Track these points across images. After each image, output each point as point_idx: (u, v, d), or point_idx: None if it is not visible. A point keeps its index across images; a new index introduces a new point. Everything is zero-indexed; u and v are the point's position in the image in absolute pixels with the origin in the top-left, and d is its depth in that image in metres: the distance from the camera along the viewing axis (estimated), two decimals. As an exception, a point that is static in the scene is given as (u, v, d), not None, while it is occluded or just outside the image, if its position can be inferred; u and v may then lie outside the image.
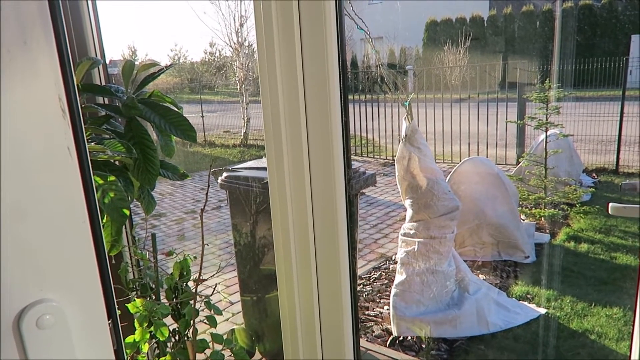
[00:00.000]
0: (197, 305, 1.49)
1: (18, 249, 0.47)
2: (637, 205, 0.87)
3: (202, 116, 10.20)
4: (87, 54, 1.99)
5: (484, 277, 3.43)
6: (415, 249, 2.83)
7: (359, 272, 3.82)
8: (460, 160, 6.18)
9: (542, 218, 4.15)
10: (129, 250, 1.70)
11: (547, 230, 4.08)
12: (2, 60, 0.43)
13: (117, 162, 1.45)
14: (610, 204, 0.97)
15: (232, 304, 3.13)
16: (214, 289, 1.51)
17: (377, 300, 3.32)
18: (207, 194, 1.31)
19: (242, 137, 9.53)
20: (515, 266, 3.59)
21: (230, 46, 9.20)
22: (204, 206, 1.38)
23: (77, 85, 1.51)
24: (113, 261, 1.79)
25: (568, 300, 3.05)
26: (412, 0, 10.23)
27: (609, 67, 5.93)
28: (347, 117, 1.45)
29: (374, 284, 3.59)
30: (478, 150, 6.18)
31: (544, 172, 4.25)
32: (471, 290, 2.98)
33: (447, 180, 3.33)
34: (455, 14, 9.07)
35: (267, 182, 1.52)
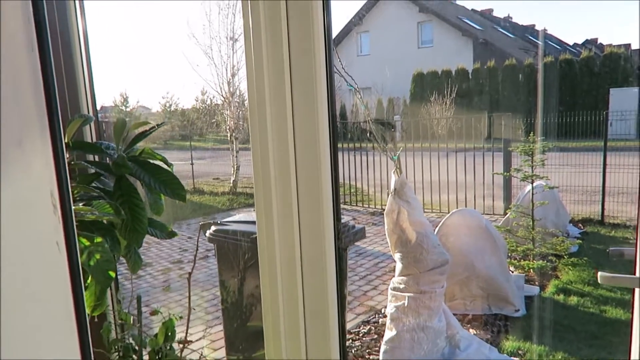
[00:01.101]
0: (182, 370, 1.45)
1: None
2: (626, 275, 0.87)
3: (192, 163, 10.21)
4: (79, 103, 2.01)
5: (475, 332, 3.37)
6: (405, 304, 2.80)
7: (348, 326, 3.74)
8: (449, 210, 6.22)
9: (531, 270, 4.14)
10: (113, 310, 1.66)
11: (537, 282, 4.06)
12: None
13: (104, 220, 1.44)
14: (599, 274, 0.97)
15: (217, 360, 3.04)
16: (201, 355, 1.47)
17: (366, 357, 3.24)
18: (195, 258, 1.29)
19: (231, 184, 9.53)
20: (505, 320, 3.55)
21: (222, 95, 9.35)
22: (192, 269, 1.35)
23: (68, 142, 1.51)
24: (95, 319, 1.74)
25: (560, 357, 3.00)
26: (399, 52, 10.58)
27: (591, 119, 6.12)
28: (337, 170, 1.47)
29: (363, 339, 3.51)
30: (466, 199, 6.23)
31: (531, 223, 4.28)
32: (462, 346, 2.93)
33: (435, 232, 3.34)
34: (440, 66, 9.39)
35: (256, 237, 1.51)
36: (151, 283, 5.16)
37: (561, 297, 3.77)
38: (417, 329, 2.79)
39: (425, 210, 6.45)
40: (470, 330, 3.39)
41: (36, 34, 0.45)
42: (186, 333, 1.38)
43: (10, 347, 0.47)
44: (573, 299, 3.71)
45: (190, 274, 1.38)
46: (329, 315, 1.47)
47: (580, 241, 4.68)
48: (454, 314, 3.29)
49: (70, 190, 0.51)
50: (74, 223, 0.51)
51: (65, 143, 1.52)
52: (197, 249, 1.34)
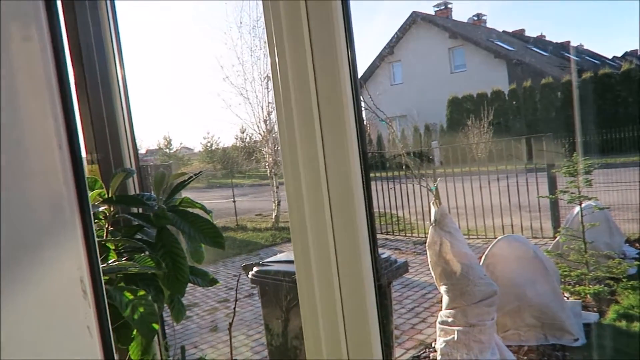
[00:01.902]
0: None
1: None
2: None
3: (234, 201, 10.40)
4: (121, 155, 2.10)
5: (532, 365, 3.21)
6: (455, 338, 2.70)
7: (397, 361, 3.63)
8: (494, 234, 6.03)
9: (588, 295, 3.93)
10: (161, 358, 1.68)
11: (595, 309, 3.85)
12: (26, 248, 0.46)
13: (148, 272, 1.48)
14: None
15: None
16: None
17: (419, 394, 3.12)
18: (234, 308, 1.31)
19: (273, 220, 9.62)
20: (564, 350, 3.36)
21: (259, 133, 9.57)
22: (232, 319, 1.36)
23: (112, 196, 1.58)
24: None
25: (628, 389, 2.80)
26: (433, 79, 10.57)
27: (636, 134, 5.87)
28: (371, 204, 1.46)
29: (415, 375, 3.40)
30: (512, 224, 6.04)
31: (583, 246, 4.09)
32: (519, 381, 2.79)
33: (481, 262, 3.24)
34: (475, 89, 9.29)
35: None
36: (199, 323, 5.21)
37: (623, 323, 3.54)
38: (469, 364, 2.69)
39: (470, 237, 6.28)
40: (527, 363, 3.23)
41: (66, 131, 0.48)
42: (229, 383, 1.37)
43: None
44: (636, 325, 3.48)
45: (230, 324, 1.39)
46: (373, 353, 1.44)
47: (639, 262, 4.42)
48: (508, 346, 3.15)
49: (101, 273, 0.53)
50: (106, 305, 0.53)
51: (109, 197, 1.59)
52: (236, 299, 1.35)
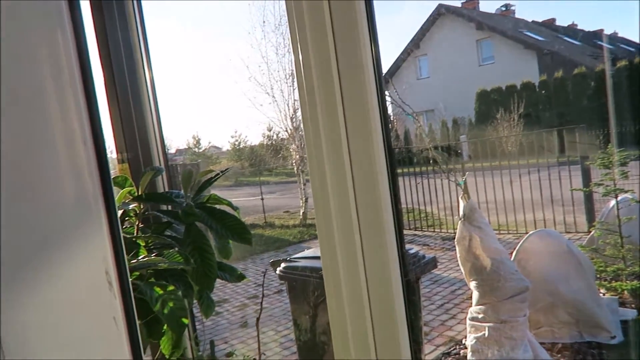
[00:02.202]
0: (257, 413, 1.45)
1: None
2: None
3: (262, 198, 10.48)
4: (150, 154, 2.14)
5: (567, 362, 3.13)
6: (486, 335, 2.66)
7: (429, 358, 3.60)
8: (526, 229, 5.90)
9: (625, 291, 3.80)
10: (192, 352, 1.71)
11: (633, 305, 3.72)
12: (52, 246, 0.47)
13: (177, 267, 1.50)
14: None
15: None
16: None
17: (450, 391, 3.09)
18: (261, 304, 1.32)
19: (301, 216, 9.66)
20: (600, 348, 3.26)
21: (286, 131, 9.61)
22: (259, 315, 1.38)
23: (141, 194, 1.61)
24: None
25: (669, 388, 2.70)
26: (460, 72, 10.39)
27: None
28: (398, 199, 1.45)
29: (445, 372, 3.36)
30: (544, 218, 5.89)
31: (619, 240, 3.96)
32: (553, 378, 2.72)
33: (512, 258, 3.17)
34: (504, 82, 9.09)
35: (324, 273, 1.51)
36: (229, 319, 5.28)
37: (663, 320, 3.42)
38: (501, 361, 2.64)
39: (501, 232, 6.16)
40: (561, 360, 3.15)
41: (90, 128, 0.49)
42: (258, 377, 1.39)
43: None
44: (677, 322, 3.35)
45: (258, 319, 1.41)
46: (401, 350, 1.44)
47: (680, 257, 4.25)
48: (541, 343, 3.08)
49: (127, 265, 0.54)
50: (132, 297, 0.54)
51: (139, 195, 1.62)
52: (262, 296, 1.36)
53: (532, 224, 5.90)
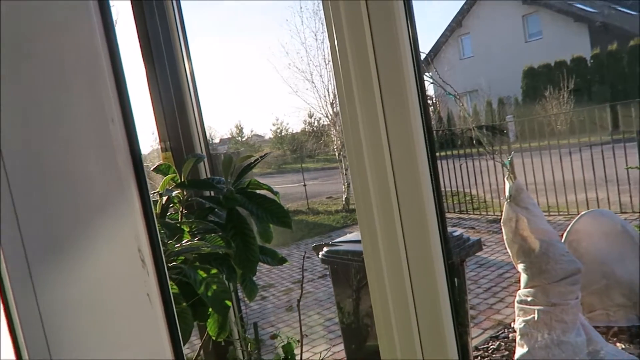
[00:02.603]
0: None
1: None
2: None
3: (305, 184, 10.55)
4: (192, 142, 2.19)
5: (622, 347, 3.00)
6: (536, 318, 2.58)
7: (475, 342, 3.54)
8: (578, 211, 5.66)
9: (688, 273, 3.60)
10: (239, 334, 1.75)
11: (696, 288, 3.52)
12: (85, 225, 0.49)
13: (220, 251, 1.53)
14: None
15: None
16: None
17: (498, 375, 3.04)
18: (302, 285, 1.33)
19: (343, 202, 9.67)
20: (660, 332, 3.11)
21: (326, 116, 9.60)
22: (300, 297, 1.39)
23: (184, 181, 1.65)
24: (222, 343, 1.85)
25: None
26: (505, 49, 10.02)
27: None
28: (438, 182, 1.42)
29: (493, 356, 3.30)
30: (597, 197, 5.63)
31: (681, 220, 3.74)
32: (608, 363, 2.62)
33: (563, 240, 3.06)
34: (553, 58, 8.69)
35: (365, 256, 1.51)
36: (275, 304, 5.38)
37: None
38: (552, 345, 2.56)
39: (550, 214, 5.94)
40: (617, 344, 3.03)
41: (120, 106, 0.50)
42: (301, 358, 1.41)
43: None
44: None
45: (299, 301, 1.42)
46: (445, 332, 1.42)
47: None
48: (596, 327, 2.96)
49: (160, 242, 0.55)
50: (167, 273, 0.55)
51: (181, 182, 1.66)
52: (302, 278, 1.37)
53: (584, 205, 5.66)
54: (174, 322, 0.54)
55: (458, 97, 2.22)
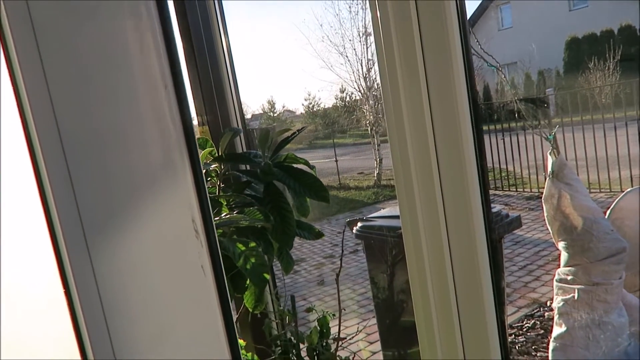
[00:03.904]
0: (339, 366, 1.49)
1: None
2: None
3: (336, 160, 10.53)
4: (229, 116, 2.19)
5: (667, 329, 2.91)
6: (576, 297, 2.51)
7: (510, 319, 3.50)
8: (621, 188, 5.45)
9: None
10: (273, 307, 1.77)
11: None
12: (140, 193, 0.48)
13: (257, 225, 1.54)
14: None
15: (373, 353, 3.07)
16: (354, 354, 1.49)
17: (533, 354, 3.00)
18: (341, 259, 1.32)
19: (375, 178, 9.61)
20: None
21: (359, 91, 9.48)
22: (339, 271, 1.38)
23: (221, 155, 1.65)
24: (258, 315, 1.88)
25: None
26: (547, 19, 9.59)
27: None
28: (484, 156, 1.37)
29: (528, 334, 3.26)
30: (643, 175, 5.41)
31: None
32: (651, 345, 2.54)
33: (606, 217, 2.95)
34: (599, 27, 8.26)
35: (402, 232, 1.49)
36: (307, 277, 5.45)
37: None
38: (592, 325, 2.50)
39: (592, 191, 5.75)
40: (660, 326, 2.93)
41: (170, 71, 0.49)
42: (338, 333, 1.41)
43: (168, 353, 0.53)
44: None
45: (337, 275, 1.41)
46: (485, 311, 1.39)
47: None
48: None
49: (212, 215, 0.55)
50: (218, 247, 0.54)
51: (219, 155, 1.66)
52: (342, 252, 1.36)
53: (628, 182, 5.45)
54: (225, 294, 0.53)
55: (500, 68, 2.13)
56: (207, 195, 0.54)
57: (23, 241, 0.54)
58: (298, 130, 1.65)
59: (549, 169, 2.50)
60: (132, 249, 0.49)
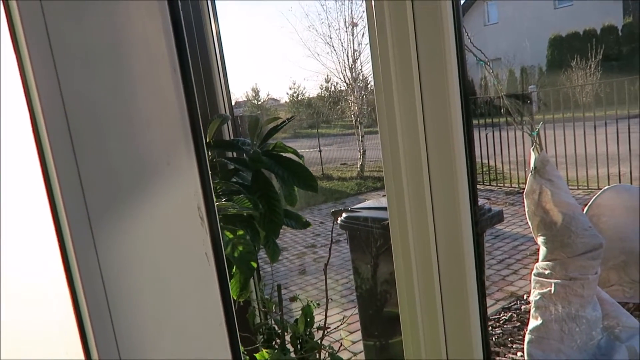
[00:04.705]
0: (323, 355, 1.50)
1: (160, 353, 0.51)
2: None
3: (320, 150, 10.52)
4: (217, 103, 2.17)
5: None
6: (552, 291, 2.57)
7: (487, 312, 3.57)
8: (599, 186, 5.57)
9: None
10: (257, 296, 1.77)
11: None
12: (147, 179, 0.47)
13: (244, 213, 1.53)
14: None
15: (353, 342, 3.10)
16: (340, 345, 1.50)
17: (509, 345, 3.06)
18: (330, 249, 1.32)
19: (358, 169, 9.64)
20: (676, 310, 3.09)
21: (345, 82, 9.46)
22: (328, 260, 1.39)
23: (209, 141, 1.64)
24: (241, 303, 1.88)
25: None
26: (532, 16, 9.68)
27: None
28: (472, 151, 1.38)
29: (505, 326, 3.32)
30: (619, 173, 5.53)
31: None
32: (624, 337, 2.62)
33: (585, 213, 3.01)
34: (583, 26, 8.37)
35: (387, 223, 1.50)
36: (288, 267, 5.46)
37: None
38: (567, 318, 2.56)
39: (571, 188, 5.86)
40: (632, 320, 3.02)
41: (177, 56, 0.48)
42: (325, 322, 1.42)
43: (172, 339, 0.53)
44: None
45: (326, 265, 1.42)
46: (469, 304, 1.41)
47: None
48: (611, 303, 2.95)
49: (215, 204, 0.54)
50: (220, 235, 0.54)
51: (207, 142, 1.65)
52: (331, 241, 1.36)
53: (606, 180, 5.57)
54: (225, 281, 0.53)
55: (488, 63, 2.15)
56: (211, 182, 0.53)
57: (26, 230, 0.53)
58: (288, 120, 1.64)
59: (532, 164, 2.54)
60: (139, 237, 0.48)
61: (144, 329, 0.48)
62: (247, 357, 1.52)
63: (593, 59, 6.88)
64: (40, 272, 0.51)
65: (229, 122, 2.21)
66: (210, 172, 1.62)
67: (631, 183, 5.34)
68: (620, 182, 5.36)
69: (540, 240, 2.65)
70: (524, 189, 2.67)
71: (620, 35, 7.73)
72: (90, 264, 0.45)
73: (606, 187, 3.59)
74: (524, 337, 2.78)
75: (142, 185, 0.48)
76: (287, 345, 1.70)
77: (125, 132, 0.47)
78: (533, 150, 2.53)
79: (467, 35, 2.11)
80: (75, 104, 0.44)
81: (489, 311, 3.58)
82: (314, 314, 1.68)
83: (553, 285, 2.59)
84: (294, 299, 1.73)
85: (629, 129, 5.37)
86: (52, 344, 0.52)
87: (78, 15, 0.44)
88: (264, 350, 1.46)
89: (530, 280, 2.85)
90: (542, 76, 8.95)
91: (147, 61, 0.47)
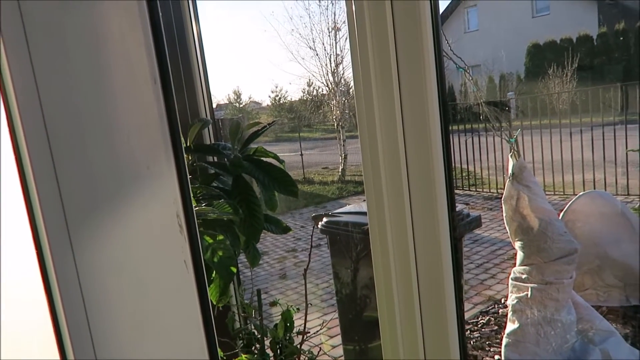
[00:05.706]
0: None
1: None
2: None
3: (302, 154, 10.52)
4: (197, 106, 2.15)
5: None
6: (529, 295, 2.62)
7: (465, 316, 3.61)
8: (574, 192, 5.68)
9: (679, 257, 3.65)
10: (237, 301, 1.76)
11: (686, 272, 3.57)
12: (126, 186, 0.47)
13: (225, 218, 1.52)
14: None
15: (333, 347, 3.10)
16: (320, 350, 1.50)
17: (487, 349, 3.10)
18: (309, 255, 1.32)
19: (339, 173, 9.66)
20: (648, 313, 3.17)
21: (327, 86, 9.49)
22: (308, 265, 1.39)
23: (190, 146, 1.63)
24: (220, 308, 1.87)
25: None
26: (511, 24, 9.85)
27: None
28: (450, 157, 1.40)
29: (482, 330, 3.36)
30: (594, 180, 5.66)
31: (677, 204, 3.76)
32: (597, 341, 2.68)
33: (560, 219, 3.07)
34: (559, 35, 8.54)
35: (367, 228, 1.51)
36: (269, 271, 5.44)
37: None
38: (543, 322, 2.61)
39: (547, 193, 5.97)
40: (606, 324, 3.09)
41: (157, 63, 0.48)
42: (304, 327, 1.42)
43: (149, 346, 0.52)
44: None
45: (306, 269, 1.42)
46: (447, 308, 1.43)
47: None
48: (585, 306, 3.01)
49: (194, 211, 0.54)
50: (200, 242, 0.54)
51: (187, 146, 1.64)
52: (311, 247, 1.37)
53: (581, 186, 5.69)
54: (204, 288, 0.53)
55: (467, 70, 2.19)
56: (190, 190, 0.53)
57: (3, 234, 0.52)
58: (269, 124, 1.64)
59: (510, 171, 2.59)
60: (117, 244, 0.48)
61: (122, 332, 0.48)
62: (226, 363, 1.51)
63: (569, 67, 7.02)
64: (17, 275, 0.51)
65: (210, 126, 2.20)
66: (190, 177, 1.62)
67: (605, 189, 5.46)
68: (594, 188, 5.48)
69: (517, 245, 2.69)
70: (502, 194, 2.71)
71: (595, 44, 7.91)
72: (68, 268, 0.44)
73: (581, 193, 3.66)
74: (501, 340, 2.82)
75: (122, 192, 0.48)
76: (266, 350, 1.69)
77: (104, 139, 0.47)
78: (511, 156, 2.58)
79: (447, 42, 2.15)
80: (53, 110, 0.44)
81: (468, 315, 3.61)
82: (293, 319, 1.68)
83: (530, 289, 2.63)
84: (273, 303, 1.73)
85: (603, 136, 5.50)
86: (27, 343, 0.52)
87: (58, 25, 0.43)
88: (244, 356, 1.46)
89: (507, 285, 2.90)
90: (520, 83, 9.10)
91: (126, 69, 0.47)
